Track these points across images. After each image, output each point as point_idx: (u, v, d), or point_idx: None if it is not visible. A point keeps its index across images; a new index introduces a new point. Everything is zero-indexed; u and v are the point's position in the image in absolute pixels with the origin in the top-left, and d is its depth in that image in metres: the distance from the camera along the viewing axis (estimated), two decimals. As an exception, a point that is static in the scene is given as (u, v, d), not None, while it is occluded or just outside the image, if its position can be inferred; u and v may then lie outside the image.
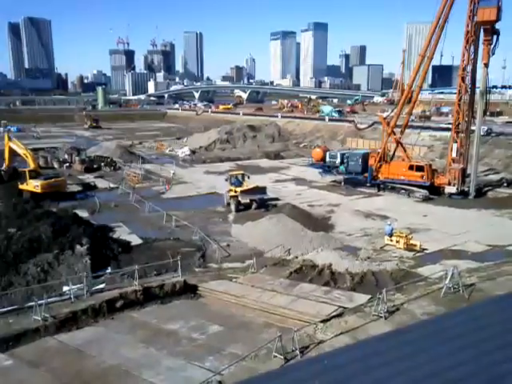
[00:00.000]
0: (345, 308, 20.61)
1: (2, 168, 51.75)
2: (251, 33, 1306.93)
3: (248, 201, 41.20)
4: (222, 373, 15.92)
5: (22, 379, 16.32)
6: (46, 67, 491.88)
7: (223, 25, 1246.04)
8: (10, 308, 21.45)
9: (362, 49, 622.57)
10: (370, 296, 21.60)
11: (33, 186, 44.12)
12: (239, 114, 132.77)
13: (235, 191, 41.32)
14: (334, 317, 19.76)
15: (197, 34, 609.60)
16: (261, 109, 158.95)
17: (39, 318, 19.92)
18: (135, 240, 32.35)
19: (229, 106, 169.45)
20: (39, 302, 20.20)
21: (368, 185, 50.10)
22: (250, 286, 23.99)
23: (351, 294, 22.53)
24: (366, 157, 51.47)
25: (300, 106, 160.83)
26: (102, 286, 24.29)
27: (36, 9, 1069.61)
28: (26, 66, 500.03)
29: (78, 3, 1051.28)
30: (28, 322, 19.85)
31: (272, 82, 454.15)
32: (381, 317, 19.24)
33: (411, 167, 47.52)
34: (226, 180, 43.75)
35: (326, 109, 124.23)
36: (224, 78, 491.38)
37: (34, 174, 45.80)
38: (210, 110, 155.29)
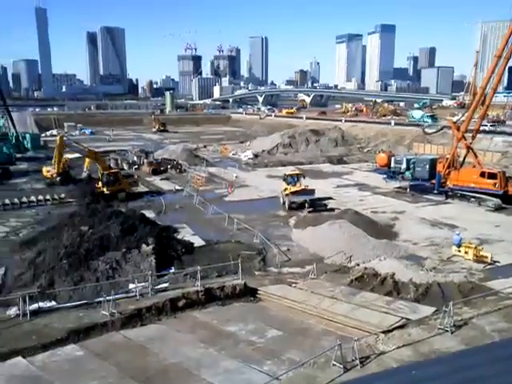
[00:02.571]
0: (408, 319, 19.93)
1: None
2: (316, 36, 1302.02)
3: (302, 201, 42.55)
4: (280, 378, 15.89)
5: (91, 369, 17.18)
6: (118, 73, 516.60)
7: (288, 29, 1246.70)
8: (80, 302, 22.70)
9: (432, 51, 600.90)
10: (435, 308, 20.74)
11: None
12: (302, 118, 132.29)
13: (290, 190, 43.20)
14: (396, 328, 19.16)
15: (262, 38, 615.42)
16: (324, 113, 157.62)
17: (107, 313, 20.90)
18: (198, 241, 33.11)
19: (292, 110, 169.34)
20: (107, 297, 21.19)
21: (435, 192, 48.15)
22: (310, 292, 23.79)
23: (415, 306, 21.74)
24: (433, 163, 49.48)
25: (365, 109, 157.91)
26: (165, 285, 25.08)
27: (112, 18, 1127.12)
28: (101, 72, 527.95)
29: (149, 12, 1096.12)
30: (97, 317, 20.88)
31: (336, 86, 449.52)
32: (447, 331, 18.41)
33: (483, 174, 45.09)
34: (283, 180, 45.42)
35: (417, 114, 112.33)
36: (288, 82, 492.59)
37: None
38: (273, 114, 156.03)
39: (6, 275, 26.92)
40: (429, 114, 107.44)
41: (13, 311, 21.33)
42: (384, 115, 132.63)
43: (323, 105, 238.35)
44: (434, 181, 48.30)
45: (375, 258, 29.19)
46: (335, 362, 16.27)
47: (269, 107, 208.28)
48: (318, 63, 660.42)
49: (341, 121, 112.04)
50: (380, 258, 29.02)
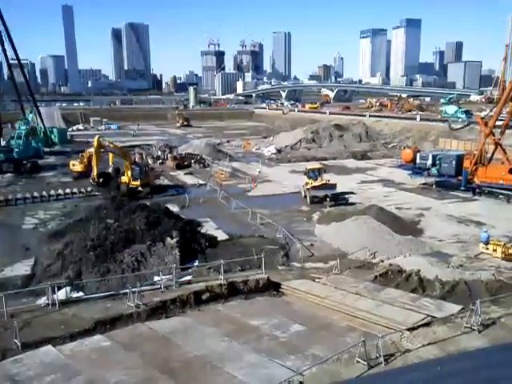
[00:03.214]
0: (434, 317, 19.65)
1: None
2: (340, 31, 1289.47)
3: (322, 195, 43.07)
4: (303, 373, 15.89)
5: (118, 360, 17.48)
6: (142, 69, 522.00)
7: (312, 24, 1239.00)
8: (107, 293, 23.10)
9: (459, 45, 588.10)
10: (461, 306, 20.40)
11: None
12: (326, 113, 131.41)
13: (311, 184, 43.71)
14: (421, 326, 18.92)
15: (285, 33, 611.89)
16: (348, 108, 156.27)
17: (132, 305, 21.21)
18: (221, 235, 33.33)
19: (315, 105, 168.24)
20: (133, 289, 21.51)
21: (462, 188, 47.25)
22: (334, 288, 23.68)
23: (441, 303, 21.42)
24: (460, 159, 48.51)
25: (389, 104, 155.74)
26: (188, 277, 25.31)
27: (136, 14, 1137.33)
28: (126, 67, 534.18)
29: (173, 8, 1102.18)
30: (123, 308, 21.22)
31: (360, 81, 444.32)
32: (474, 329, 18.08)
33: (512, 171, 44.06)
34: (305, 174, 45.85)
35: (450, 109, 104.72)
36: (311, 77, 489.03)
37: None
38: (296, 109, 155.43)
39: (35, 266, 27.63)
40: (463, 110, 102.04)
41: (42, 301, 21.87)
42: (409, 110, 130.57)
43: (347, 100, 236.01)
44: (460, 177, 47.38)
45: (400, 255, 28.88)
46: (359, 359, 16.17)
47: (292, 102, 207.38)
48: (342, 58, 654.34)
49: (365, 116, 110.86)
50: (405, 255, 28.69)
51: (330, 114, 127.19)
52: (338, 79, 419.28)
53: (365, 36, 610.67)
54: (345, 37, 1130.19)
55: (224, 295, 23.31)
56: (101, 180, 45.56)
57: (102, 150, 46.77)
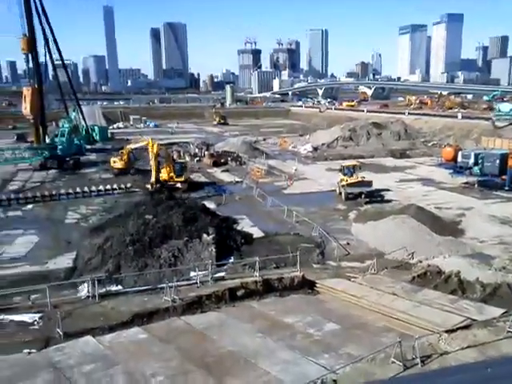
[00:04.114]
0: (473, 320, 19.10)
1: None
2: (378, 28, 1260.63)
3: (358, 192, 43.05)
4: (337, 372, 15.79)
5: (154, 352, 17.88)
6: (180, 68, 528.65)
7: (349, 21, 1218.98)
8: (145, 287, 23.68)
9: (503, 39, 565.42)
10: (504, 310, 19.74)
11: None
12: (363, 110, 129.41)
13: (346, 181, 43.74)
14: (460, 328, 18.43)
15: (322, 30, 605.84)
16: (386, 105, 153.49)
17: (169, 299, 21.65)
18: (257, 233, 33.45)
19: (353, 103, 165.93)
20: (169, 284, 21.94)
21: (506, 188, 45.64)
22: (370, 288, 23.39)
23: (481, 306, 20.79)
24: (504, 158, 46.89)
25: (429, 102, 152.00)
26: (222, 274, 25.54)
27: (174, 14, 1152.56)
28: (164, 67, 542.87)
29: (210, 7, 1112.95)
30: (159, 302, 21.70)
31: (399, 78, 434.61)
32: (517, 334, 17.48)
33: (560, 170, 42.22)
34: (340, 171, 45.89)
35: (505, 107, 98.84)
36: (348, 75, 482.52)
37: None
38: (333, 107, 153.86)
39: (77, 259, 28.56)
40: None
41: (83, 293, 22.62)
42: (450, 108, 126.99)
43: (385, 97, 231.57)
44: (504, 176, 45.82)
45: (439, 256, 28.15)
46: (394, 360, 15.91)
47: (329, 100, 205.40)
48: (380, 55, 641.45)
49: (404, 114, 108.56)
50: (444, 256, 27.97)
51: (367, 111, 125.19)
52: (376, 77, 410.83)
53: (404, 32, 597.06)
54: (383, 33, 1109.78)
55: (259, 292, 23.45)
56: (158, 185, 46.01)
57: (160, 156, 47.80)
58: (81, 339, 18.63)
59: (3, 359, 17.36)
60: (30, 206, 42.33)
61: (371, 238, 32.10)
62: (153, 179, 46.31)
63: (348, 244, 31.61)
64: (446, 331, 18.10)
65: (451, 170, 52.71)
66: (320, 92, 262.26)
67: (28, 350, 17.84)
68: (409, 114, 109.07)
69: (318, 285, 24.47)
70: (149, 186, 46.10)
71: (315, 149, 76.92)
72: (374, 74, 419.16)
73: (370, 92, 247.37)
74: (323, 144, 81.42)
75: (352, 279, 25.09)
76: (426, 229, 32.13)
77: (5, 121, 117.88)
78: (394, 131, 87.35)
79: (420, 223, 32.84)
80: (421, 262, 27.33)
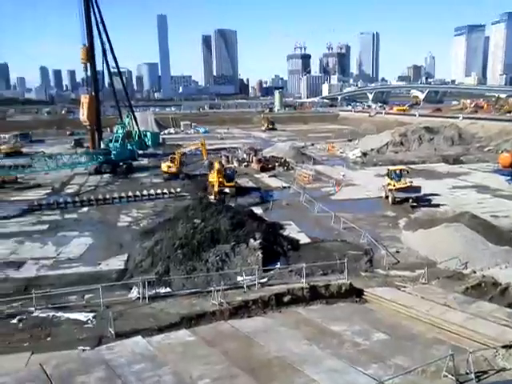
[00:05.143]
0: (533, 336, 18.10)
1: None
2: (432, 30, 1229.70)
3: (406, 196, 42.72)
4: (386, 383, 15.40)
5: (201, 355, 18.11)
6: (230, 74, 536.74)
7: (401, 23, 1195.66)
8: (192, 290, 24.10)
9: None
10: None
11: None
12: (415, 115, 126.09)
13: (394, 185, 43.33)
14: (518, 344, 17.51)
15: (373, 34, 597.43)
16: (439, 109, 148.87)
17: (216, 303, 21.90)
18: (304, 238, 33.29)
19: (404, 107, 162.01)
20: (217, 288, 22.22)
21: None
22: (420, 298, 22.69)
23: (541, 321, 19.68)
24: None
25: (486, 106, 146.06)
26: (264, 279, 25.50)
27: (225, 21, 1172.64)
28: (214, 73, 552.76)
29: (260, 13, 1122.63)
30: (207, 305, 22.00)
31: (453, 81, 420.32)
32: None
33: None
34: (386, 175, 45.79)
35: None
36: (400, 78, 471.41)
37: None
38: (383, 112, 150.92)
39: (128, 261, 29.51)
40: None
41: (134, 294, 23.31)
42: (509, 111, 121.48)
43: (438, 101, 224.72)
44: None
45: (495, 266, 26.95)
46: (446, 373, 15.34)
47: (379, 104, 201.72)
48: (434, 57, 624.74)
49: (458, 118, 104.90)
50: (500, 267, 26.73)
51: (419, 116, 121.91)
52: (429, 80, 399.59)
53: (460, 33, 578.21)
54: (437, 35, 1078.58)
55: (305, 298, 23.27)
56: (222, 196, 46.75)
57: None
58: (131, 339, 19.17)
59: (60, 355, 18.16)
60: (85, 209, 44.20)
61: (422, 246, 31.18)
62: (216, 189, 47.03)
63: (397, 252, 30.85)
64: (503, 346, 17.26)
65: (508, 176, 50.48)
66: (370, 96, 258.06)
67: (82, 348, 18.59)
68: (463, 118, 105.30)
69: (365, 293, 24.01)
70: (212, 197, 46.00)
71: (364, 154, 75.65)
72: (426, 77, 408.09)
73: (422, 96, 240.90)
74: (372, 149, 79.95)
75: (401, 288, 24.45)
76: (480, 238, 30.81)
77: (64, 127, 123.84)
78: (447, 136, 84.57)
79: (474, 232, 31.55)
80: (475, 272, 26.26)
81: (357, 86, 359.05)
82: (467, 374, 15.33)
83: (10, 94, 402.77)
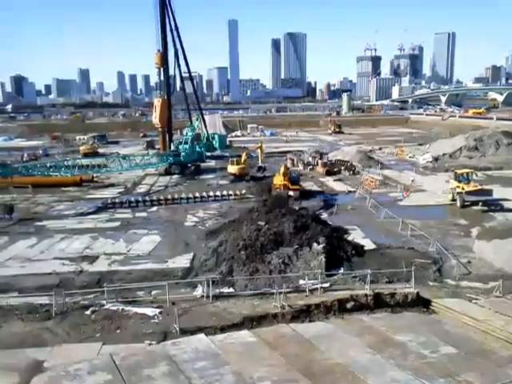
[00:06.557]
0: None
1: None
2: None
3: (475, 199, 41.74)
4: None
5: (262, 356, 18.22)
6: (298, 77, 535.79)
7: (480, 21, 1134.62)
8: (255, 292, 24.29)
9: None
10: None
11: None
12: (492, 118, 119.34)
13: (462, 188, 42.38)
14: None
15: (449, 34, 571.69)
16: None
17: (278, 305, 21.93)
18: (368, 244, 32.55)
19: (480, 110, 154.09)
20: (279, 290, 22.24)
21: None
22: (494, 312, 21.42)
23: None
24: None
25: None
26: (327, 284, 25.09)
27: (295, 24, 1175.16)
28: (282, 76, 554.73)
29: (330, 14, 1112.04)
30: (269, 307, 22.08)
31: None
32: None
33: None
34: (454, 178, 45.14)
35: None
36: (476, 80, 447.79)
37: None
38: (457, 115, 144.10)
39: (193, 260, 30.32)
40: None
41: (199, 292, 23.90)
42: None
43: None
44: None
45: None
46: (522, 394, 14.39)
47: (453, 107, 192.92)
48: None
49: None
50: None
51: (497, 119, 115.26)
52: (510, 81, 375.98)
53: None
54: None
55: (369, 306, 22.71)
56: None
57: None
58: (195, 336, 19.67)
59: (128, 347, 19.01)
60: (154, 208, 46.01)
61: (496, 257, 29.45)
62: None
63: (469, 262, 29.35)
64: None
65: None
66: (443, 99, 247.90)
67: (149, 342, 19.33)
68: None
69: (433, 304, 23.01)
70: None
71: (436, 159, 72.59)
72: (507, 79, 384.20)
73: (501, 98, 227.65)
74: (444, 154, 76.47)
75: (473, 301, 23.21)
76: None
77: (137, 129, 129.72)
78: (528, 141, 79.11)
79: (557, 244, 29.34)
80: (557, 287, 24.37)
81: (429, 88, 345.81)
82: (545, 396, 14.27)
83: (90, 98, 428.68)
